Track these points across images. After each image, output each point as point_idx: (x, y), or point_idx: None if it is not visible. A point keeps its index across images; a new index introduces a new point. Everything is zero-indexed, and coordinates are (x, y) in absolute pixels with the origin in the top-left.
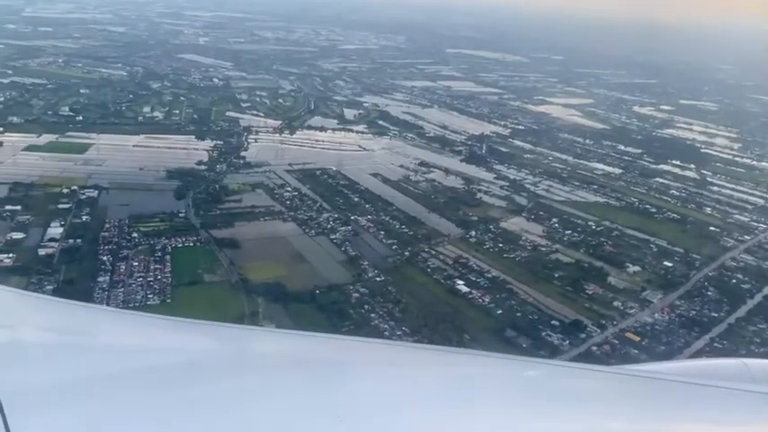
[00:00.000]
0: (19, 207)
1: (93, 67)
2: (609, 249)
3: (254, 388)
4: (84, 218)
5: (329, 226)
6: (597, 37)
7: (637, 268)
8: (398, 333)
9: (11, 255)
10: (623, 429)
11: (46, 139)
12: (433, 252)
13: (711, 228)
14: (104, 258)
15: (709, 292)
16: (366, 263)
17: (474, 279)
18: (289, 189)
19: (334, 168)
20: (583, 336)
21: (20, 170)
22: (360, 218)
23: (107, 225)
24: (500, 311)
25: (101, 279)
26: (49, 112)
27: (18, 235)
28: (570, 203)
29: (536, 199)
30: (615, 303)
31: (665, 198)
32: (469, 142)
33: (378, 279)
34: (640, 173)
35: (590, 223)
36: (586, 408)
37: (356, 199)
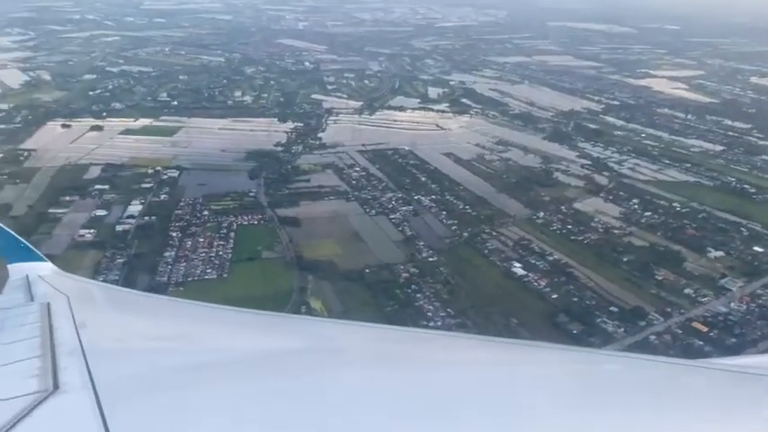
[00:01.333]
0: (107, 186)
1: (195, 54)
2: (691, 233)
3: (343, 382)
4: (162, 196)
5: (390, 206)
6: (722, 3)
7: (719, 253)
8: (441, 314)
9: (92, 230)
10: (719, 428)
11: (142, 123)
12: (494, 233)
13: None
14: (173, 234)
15: None
16: (422, 243)
17: (533, 262)
18: (357, 169)
19: (407, 148)
20: (642, 323)
21: (114, 152)
22: (423, 198)
23: (182, 203)
24: (555, 296)
25: (167, 254)
26: (149, 98)
27: (101, 212)
28: (656, 183)
29: (618, 178)
30: (687, 291)
31: None
32: (556, 119)
33: (431, 260)
34: (745, 150)
35: (674, 204)
36: (678, 404)
37: (423, 179)
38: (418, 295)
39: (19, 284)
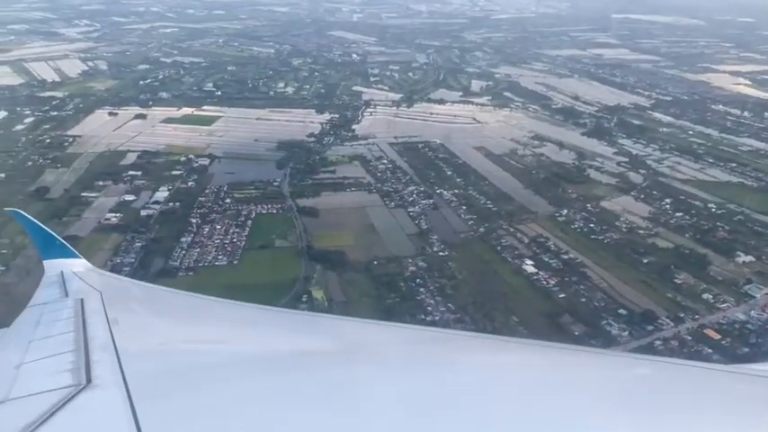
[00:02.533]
0: (140, 172)
1: (247, 46)
2: (722, 235)
3: (365, 382)
4: (190, 183)
5: (411, 199)
6: None
7: (749, 258)
8: (441, 309)
9: (118, 214)
10: None
11: (183, 112)
12: (512, 230)
13: None
14: (193, 221)
15: None
16: (435, 237)
17: (546, 260)
18: (385, 161)
19: (438, 141)
20: (650, 328)
21: (152, 139)
22: (446, 192)
23: (207, 191)
24: (563, 295)
25: (183, 239)
26: (195, 88)
27: (130, 197)
28: (694, 183)
29: (654, 177)
30: (705, 296)
31: None
32: (599, 114)
33: (441, 254)
34: None
35: (710, 205)
36: (691, 407)
37: (449, 172)
38: (421, 289)
39: (54, 280)
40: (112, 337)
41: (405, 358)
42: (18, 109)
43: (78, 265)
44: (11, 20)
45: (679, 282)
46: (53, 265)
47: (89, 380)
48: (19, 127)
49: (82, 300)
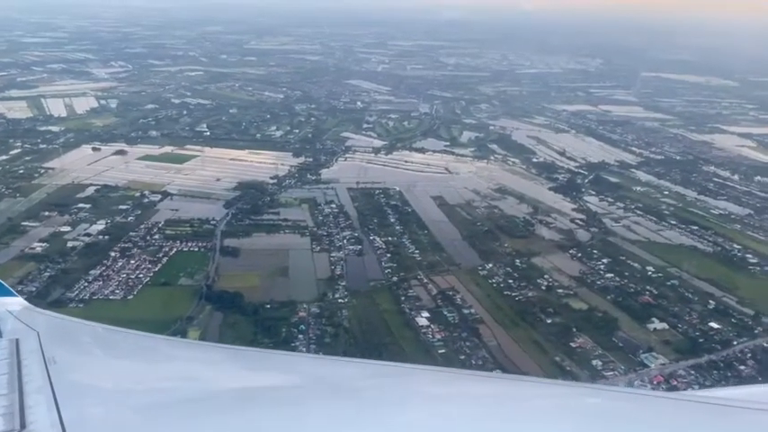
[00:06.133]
0: (89, 205)
1: (259, 90)
2: (645, 300)
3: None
4: (129, 218)
5: (339, 244)
6: None
7: (663, 326)
8: None
9: (45, 244)
10: None
11: (164, 150)
12: (425, 281)
13: None
14: (112, 254)
15: (743, 366)
16: (343, 284)
17: (444, 314)
18: (333, 206)
19: (398, 189)
20: None
21: (120, 175)
22: (379, 239)
23: (142, 226)
24: (442, 351)
25: (92, 272)
26: (187, 128)
27: (65, 228)
28: (643, 244)
29: (603, 236)
30: (595, 362)
31: None
32: (577, 170)
33: (340, 301)
34: None
35: (648, 268)
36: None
37: (392, 219)
38: (300, 336)
39: None
40: (50, 379)
41: (365, 393)
42: (11, 141)
43: (14, 303)
44: (53, 59)
45: (574, 345)
46: None
47: (23, 425)
48: (2, 157)
49: (17, 340)
